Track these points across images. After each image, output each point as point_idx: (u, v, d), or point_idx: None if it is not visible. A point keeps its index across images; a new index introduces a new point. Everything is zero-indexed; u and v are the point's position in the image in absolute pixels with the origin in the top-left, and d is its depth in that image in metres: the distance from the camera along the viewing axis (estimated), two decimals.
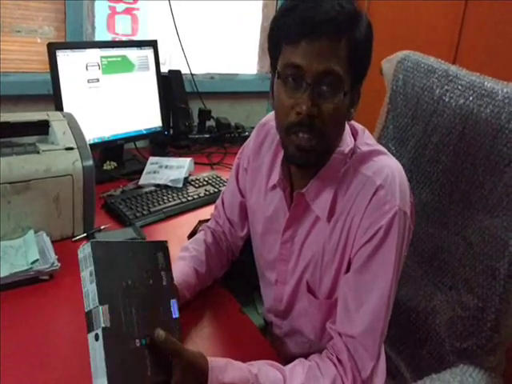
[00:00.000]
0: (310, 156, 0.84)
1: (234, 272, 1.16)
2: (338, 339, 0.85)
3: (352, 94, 0.83)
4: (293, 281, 0.96)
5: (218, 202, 1.17)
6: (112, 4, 1.82)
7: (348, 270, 0.87)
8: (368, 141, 0.92)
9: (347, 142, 0.89)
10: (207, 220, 1.20)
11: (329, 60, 0.77)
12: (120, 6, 1.84)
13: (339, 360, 0.83)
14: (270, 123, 1.02)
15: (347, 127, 0.91)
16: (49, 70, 1.44)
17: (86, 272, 0.73)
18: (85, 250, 0.73)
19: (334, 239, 0.88)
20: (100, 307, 0.71)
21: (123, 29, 1.87)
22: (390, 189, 0.83)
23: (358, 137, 0.92)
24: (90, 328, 0.71)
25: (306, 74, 0.78)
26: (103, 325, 0.70)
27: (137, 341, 0.73)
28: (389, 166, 0.86)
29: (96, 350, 0.70)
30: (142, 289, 0.78)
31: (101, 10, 1.79)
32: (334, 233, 0.88)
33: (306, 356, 0.88)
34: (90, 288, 0.72)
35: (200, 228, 1.17)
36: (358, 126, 0.94)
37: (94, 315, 0.71)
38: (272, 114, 0.94)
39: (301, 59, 0.78)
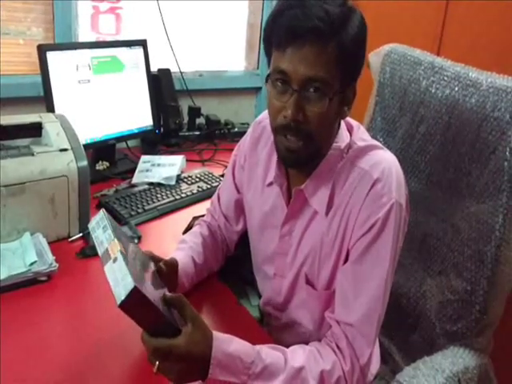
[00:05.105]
0: (299, 156, 0.86)
1: (227, 267, 1.18)
2: (336, 327, 0.87)
3: (343, 93, 0.83)
4: (291, 274, 0.98)
5: (214, 197, 1.19)
6: (95, 3, 1.81)
7: (346, 261, 0.89)
8: (363, 136, 0.94)
9: (343, 138, 0.91)
10: (201, 216, 1.22)
11: (314, 66, 0.78)
12: (103, 6, 1.83)
13: (338, 347, 0.85)
14: (265, 121, 1.03)
15: (343, 123, 0.93)
16: (38, 72, 1.44)
17: (99, 230, 0.77)
18: (97, 216, 0.81)
19: (332, 232, 0.90)
20: (115, 239, 0.73)
21: (107, 28, 1.86)
22: (386, 182, 0.85)
23: (354, 132, 0.93)
24: (106, 260, 0.72)
25: (292, 79, 0.80)
26: (120, 249, 0.71)
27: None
28: (385, 160, 0.89)
29: (115, 270, 0.69)
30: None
31: (84, 10, 1.78)
32: (332, 226, 0.90)
33: None
34: (105, 235, 0.76)
35: (196, 222, 1.19)
36: (354, 122, 0.96)
37: (111, 247, 0.72)
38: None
39: (287, 65, 0.80)
